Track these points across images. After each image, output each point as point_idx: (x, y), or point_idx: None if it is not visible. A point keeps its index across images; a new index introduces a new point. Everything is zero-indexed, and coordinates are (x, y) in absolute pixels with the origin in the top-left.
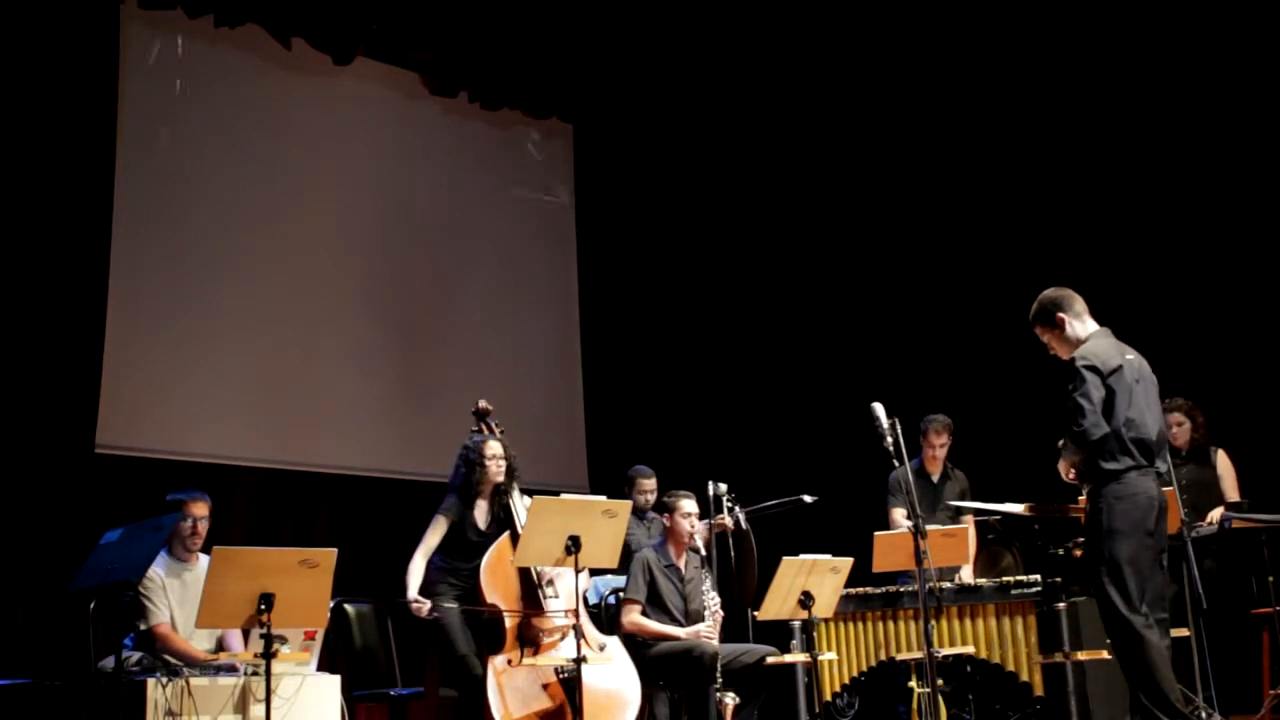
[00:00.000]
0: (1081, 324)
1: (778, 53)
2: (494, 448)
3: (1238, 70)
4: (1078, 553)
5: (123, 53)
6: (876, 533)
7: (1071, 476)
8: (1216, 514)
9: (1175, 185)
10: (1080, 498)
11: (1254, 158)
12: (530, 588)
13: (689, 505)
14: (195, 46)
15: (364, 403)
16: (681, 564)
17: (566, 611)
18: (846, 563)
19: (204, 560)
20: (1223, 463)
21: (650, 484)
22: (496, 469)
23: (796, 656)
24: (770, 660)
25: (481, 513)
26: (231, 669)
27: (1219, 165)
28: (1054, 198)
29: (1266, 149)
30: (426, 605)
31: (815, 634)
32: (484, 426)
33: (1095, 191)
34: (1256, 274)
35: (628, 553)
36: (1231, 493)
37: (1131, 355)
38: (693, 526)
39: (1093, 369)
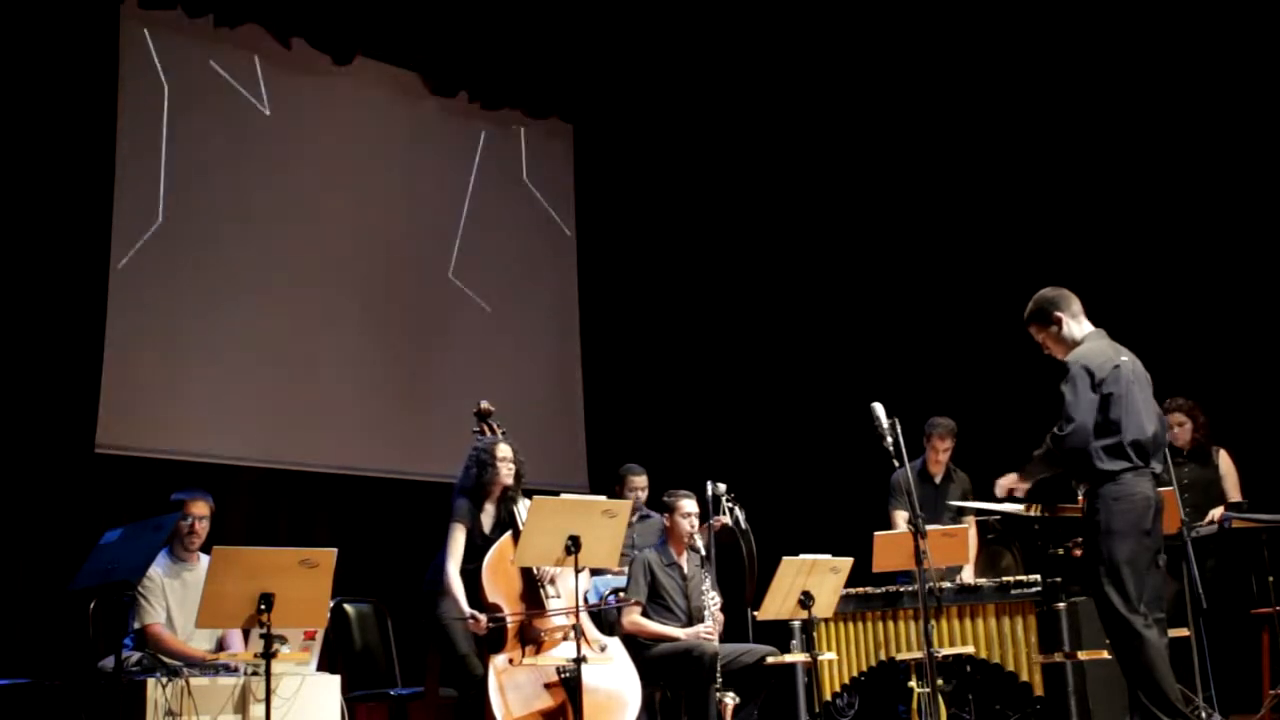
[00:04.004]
0: (1078, 324)
1: (778, 53)
2: (505, 450)
3: (1237, 70)
4: (1077, 552)
5: (123, 52)
6: (876, 533)
7: (1016, 493)
8: (1217, 514)
9: (1175, 185)
10: (1079, 498)
11: (1252, 157)
12: (532, 587)
13: (689, 505)
14: (195, 46)
15: (364, 403)
16: (683, 561)
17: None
18: (846, 563)
19: (205, 560)
20: (1224, 462)
21: (641, 481)
22: (507, 471)
23: (796, 656)
24: (770, 660)
25: (489, 515)
26: (230, 669)
27: (1218, 165)
28: (1054, 198)
29: (1265, 148)
30: (484, 619)
31: (815, 634)
32: (485, 427)
33: (1095, 192)
34: (1256, 273)
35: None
36: (1233, 492)
37: (1126, 356)
38: (693, 526)
39: (1087, 372)
